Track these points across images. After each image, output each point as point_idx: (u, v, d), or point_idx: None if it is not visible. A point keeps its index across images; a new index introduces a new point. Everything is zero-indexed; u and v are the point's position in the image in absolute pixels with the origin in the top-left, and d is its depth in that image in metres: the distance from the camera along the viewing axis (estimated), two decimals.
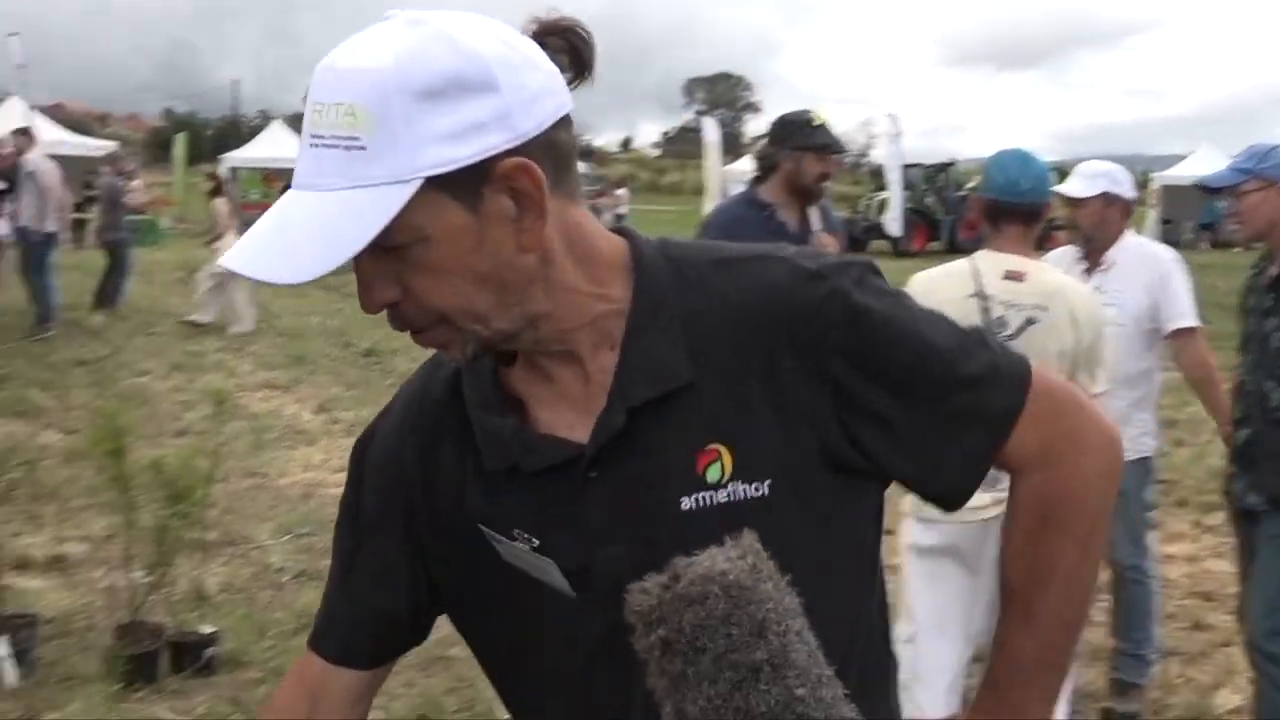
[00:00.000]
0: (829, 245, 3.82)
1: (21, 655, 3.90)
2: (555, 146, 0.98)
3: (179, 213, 26.01)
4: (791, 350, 1.03)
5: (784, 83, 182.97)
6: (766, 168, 3.94)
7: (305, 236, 0.93)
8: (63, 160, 13.51)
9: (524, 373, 1.08)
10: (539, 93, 0.97)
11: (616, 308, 1.04)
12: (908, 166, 25.82)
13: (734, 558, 0.80)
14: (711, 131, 29.28)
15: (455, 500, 1.09)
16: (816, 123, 3.84)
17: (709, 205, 29.60)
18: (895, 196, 24.22)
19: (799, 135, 3.82)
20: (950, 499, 1.10)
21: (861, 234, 24.46)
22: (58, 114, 32.67)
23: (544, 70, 0.98)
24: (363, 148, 0.91)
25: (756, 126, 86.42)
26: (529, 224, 0.97)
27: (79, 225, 18.69)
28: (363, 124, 0.91)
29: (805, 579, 0.98)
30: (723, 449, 1.02)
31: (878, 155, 22.21)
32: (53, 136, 20.88)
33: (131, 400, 7.35)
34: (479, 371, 1.09)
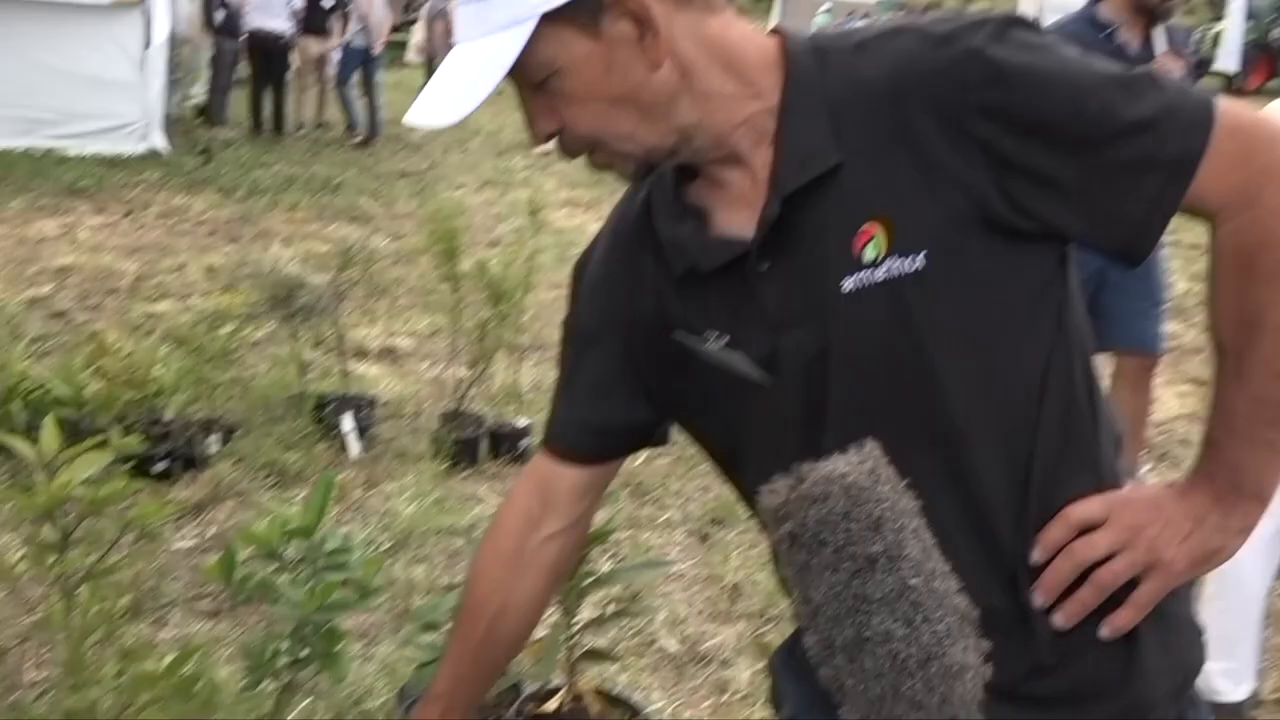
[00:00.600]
0: (1174, 69, 3.54)
1: (362, 431, 4.36)
2: None
3: None
4: (933, 117, 1.02)
5: None
6: None
7: (454, 84, 1.04)
8: None
9: (701, 183, 1.14)
10: None
11: (769, 105, 1.07)
12: None
13: (855, 463, 0.86)
14: None
15: (656, 309, 1.17)
16: None
17: None
18: (1235, 27, 21.87)
19: None
20: (1132, 254, 1.06)
21: None
22: None
23: None
24: None
25: None
26: (649, 43, 1.03)
27: (398, 45, 19.64)
28: None
29: (973, 346, 1.03)
30: (877, 227, 1.03)
31: None
32: None
33: (451, 210, 7.81)
34: (664, 187, 1.15)
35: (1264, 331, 1.03)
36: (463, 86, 1.04)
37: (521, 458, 4.33)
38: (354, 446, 4.26)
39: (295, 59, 12.01)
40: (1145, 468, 4.27)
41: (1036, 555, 1.05)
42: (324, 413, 4.41)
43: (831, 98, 1.06)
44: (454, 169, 10.63)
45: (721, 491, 4.14)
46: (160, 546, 3.38)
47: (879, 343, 1.03)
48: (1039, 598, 1.05)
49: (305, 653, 1.93)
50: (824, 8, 30.28)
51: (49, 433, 1.98)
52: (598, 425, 1.27)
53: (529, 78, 1.04)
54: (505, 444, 4.33)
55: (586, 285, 1.27)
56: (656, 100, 1.05)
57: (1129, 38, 3.59)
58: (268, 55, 11.36)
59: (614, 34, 1.03)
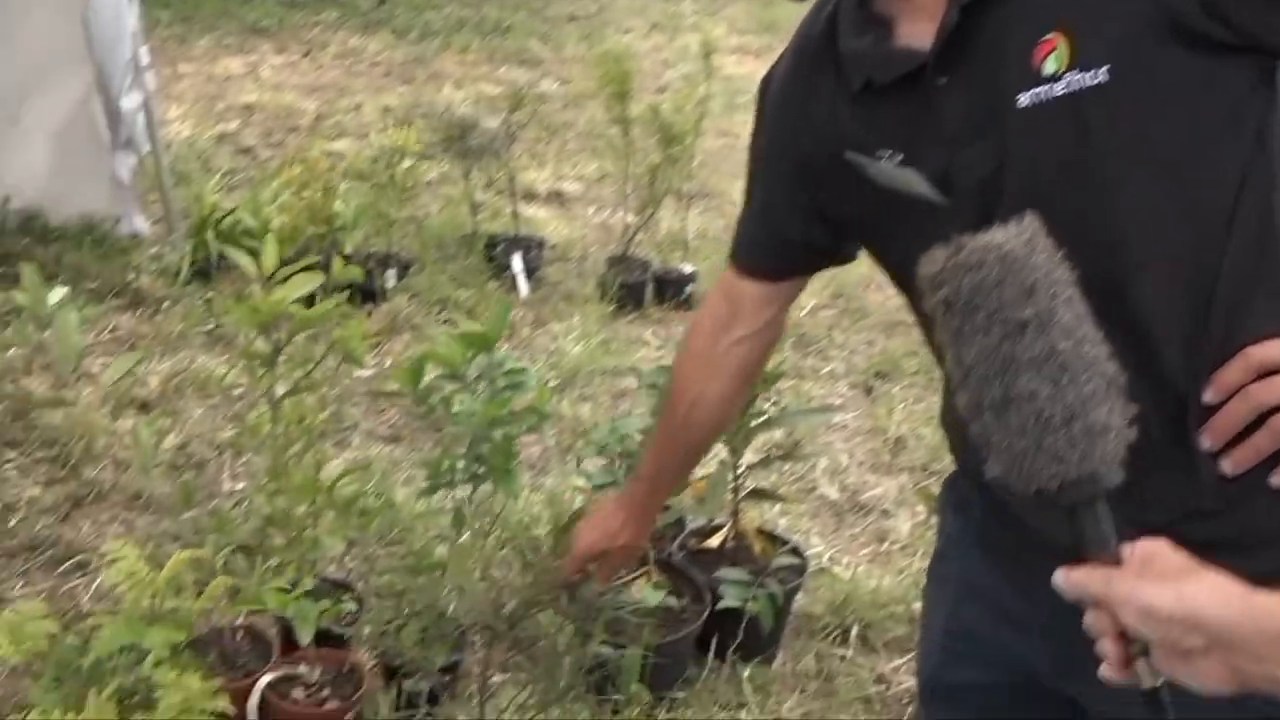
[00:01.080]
0: None
1: (530, 272, 4.44)
2: None
3: None
4: None
5: None
6: None
7: None
8: None
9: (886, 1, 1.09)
10: None
11: None
12: None
13: (1012, 234, 0.86)
14: None
15: (833, 129, 1.14)
16: None
17: None
18: None
19: None
20: None
21: None
22: None
23: None
24: None
25: None
26: None
27: None
28: None
29: (1157, 165, 0.97)
30: (1060, 38, 0.97)
31: None
32: None
33: (621, 53, 7.74)
34: (849, 2, 1.11)
35: None
36: None
37: (687, 303, 4.35)
38: (523, 286, 4.35)
39: None
40: None
41: (1209, 395, 1.00)
42: (494, 252, 4.51)
43: None
44: (622, 13, 10.46)
45: (887, 345, 4.11)
46: (345, 374, 3.55)
47: (1056, 160, 0.99)
48: (1208, 440, 1.01)
49: (481, 469, 2.02)
50: None
51: (270, 250, 2.09)
52: (776, 244, 1.30)
53: None
54: (670, 289, 4.35)
55: (770, 104, 1.26)
56: None
57: None
58: None
59: None
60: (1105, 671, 0.86)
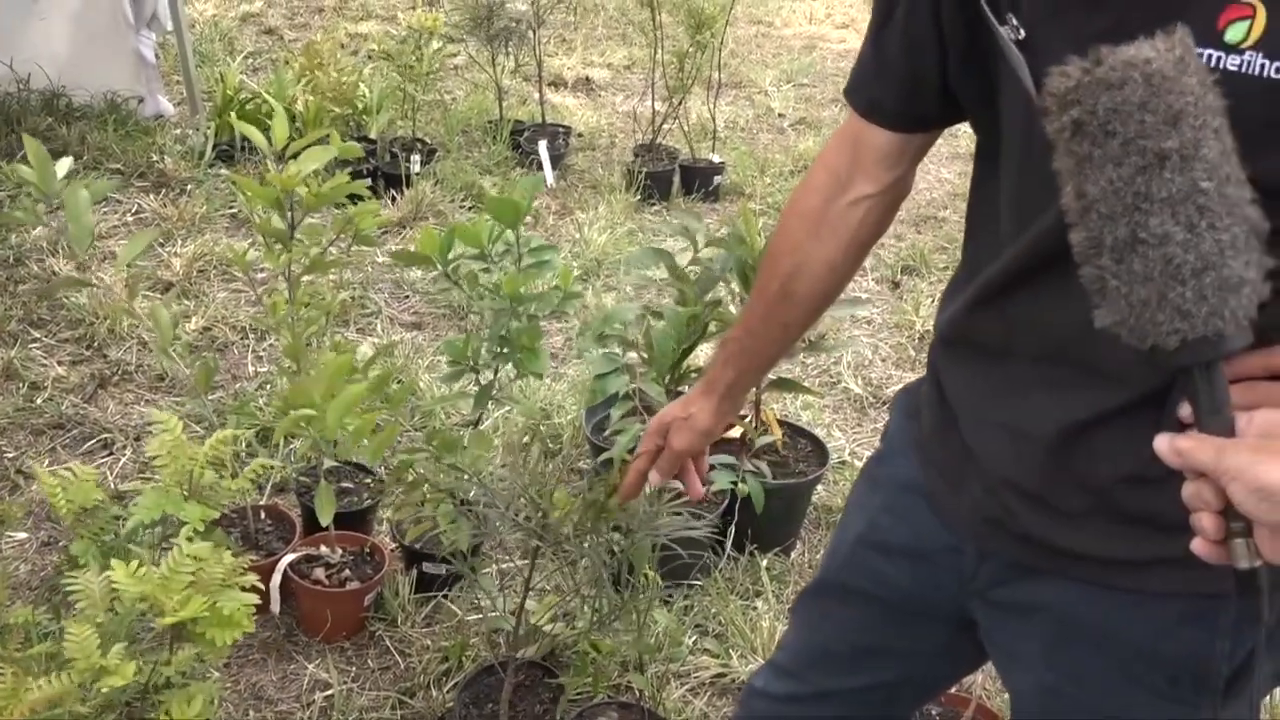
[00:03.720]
0: None
1: (556, 160, 4.38)
2: None
3: None
4: None
5: None
6: None
7: None
8: None
9: None
10: None
11: None
12: None
13: (1162, 50, 0.75)
14: None
15: None
16: None
17: None
18: None
19: None
20: None
21: None
22: None
23: None
24: None
25: None
26: None
27: None
28: None
29: None
30: (1258, 8, 0.83)
31: None
32: None
33: None
34: None
35: None
36: None
37: (714, 194, 4.29)
38: (549, 174, 4.29)
39: None
40: None
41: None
42: (520, 139, 4.44)
43: None
44: None
45: (916, 240, 4.04)
46: (367, 258, 3.53)
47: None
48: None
49: (505, 349, 2.00)
50: None
51: (279, 123, 2.06)
52: (901, 83, 1.10)
53: None
54: (698, 179, 4.29)
55: None
56: None
57: None
58: None
59: None
60: (1198, 547, 0.79)
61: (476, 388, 2.05)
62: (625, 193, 4.19)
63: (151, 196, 3.82)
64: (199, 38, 5.33)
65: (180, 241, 3.55)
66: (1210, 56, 0.85)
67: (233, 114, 4.09)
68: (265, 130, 2.22)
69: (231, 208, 3.80)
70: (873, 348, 3.34)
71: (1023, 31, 0.93)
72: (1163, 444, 0.79)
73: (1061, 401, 1.00)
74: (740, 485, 2.32)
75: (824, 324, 3.19)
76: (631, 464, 1.41)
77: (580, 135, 4.76)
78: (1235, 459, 0.75)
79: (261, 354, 3.05)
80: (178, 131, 4.31)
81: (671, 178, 4.29)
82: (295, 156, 1.97)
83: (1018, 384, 1.05)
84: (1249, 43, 0.84)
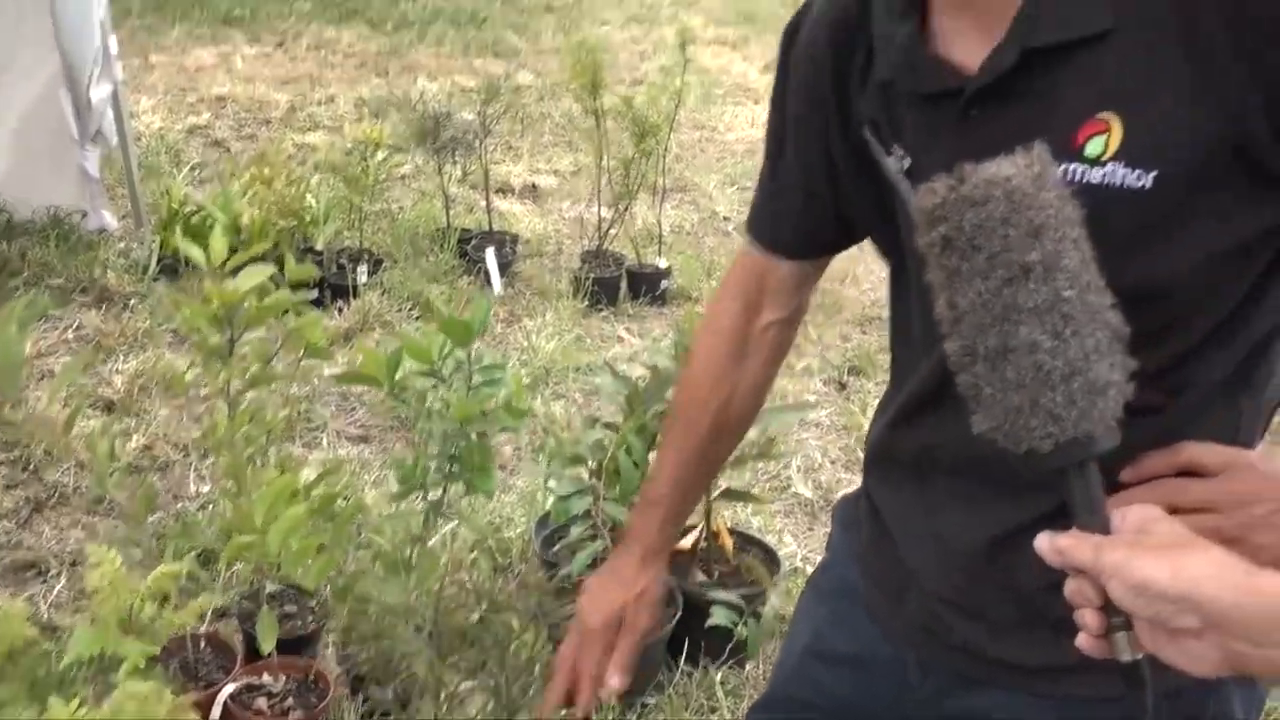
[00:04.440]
0: None
1: (503, 267, 4.40)
2: None
3: None
4: (1229, 24, 0.82)
5: None
6: None
7: None
8: None
9: None
10: None
11: None
12: None
13: (1021, 165, 0.79)
14: None
15: (855, 103, 1.03)
16: None
17: None
18: None
19: None
20: None
21: None
22: None
23: None
24: None
25: None
26: None
27: None
28: None
29: (1164, 279, 0.88)
30: (1113, 122, 0.86)
31: None
32: None
33: (596, 45, 7.70)
34: None
35: None
36: None
37: (661, 298, 4.33)
38: (496, 282, 4.31)
39: None
40: None
41: (1127, 474, 0.94)
42: (467, 248, 4.46)
43: None
44: (599, 4, 10.40)
45: (861, 341, 4.09)
46: (312, 371, 3.50)
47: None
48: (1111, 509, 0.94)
49: (455, 468, 1.98)
50: None
51: (218, 240, 2.05)
52: (798, 212, 1.14)
53: None
54: (645, 284, 4.32)
55: (794, 58, 1.11)
56: None
57: None
58: None
59: None
60: (1082, 643, 0.81)
61: (424, 504, 2.03)
62: (573, 299, 4.21)
63: (93, 312, 3.79)
64: (145, 150, 5.34)
65: (122, 358, 3.51)
66: (1073, 171, 0.88)
67: (178, 227, 4.08)
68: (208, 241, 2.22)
69: (175, 322, 3.77)
70: (822, 450, 3.35)
71: (908, 160, 0.96)
72: (1043, 543, 0.82)
73: (984, 514, 1.03)
74: (741, 628, 2.30)
75: (773, 428, 3.20)
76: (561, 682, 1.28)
77: (527, 242, 4.79)
78: (1111, 556, 0.77)
79: (204, 472, 3.00)
80: (122, 245, 4.29)
81: (619, 283, 4.32)
82: (237, 272, 1.96)
83: (942, 499, 1.07)
84: (1109, 154, 0.87)
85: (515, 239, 4.65)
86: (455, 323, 1.78)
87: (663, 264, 4.43)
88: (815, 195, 1.12)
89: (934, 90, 0.95)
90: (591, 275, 4.26)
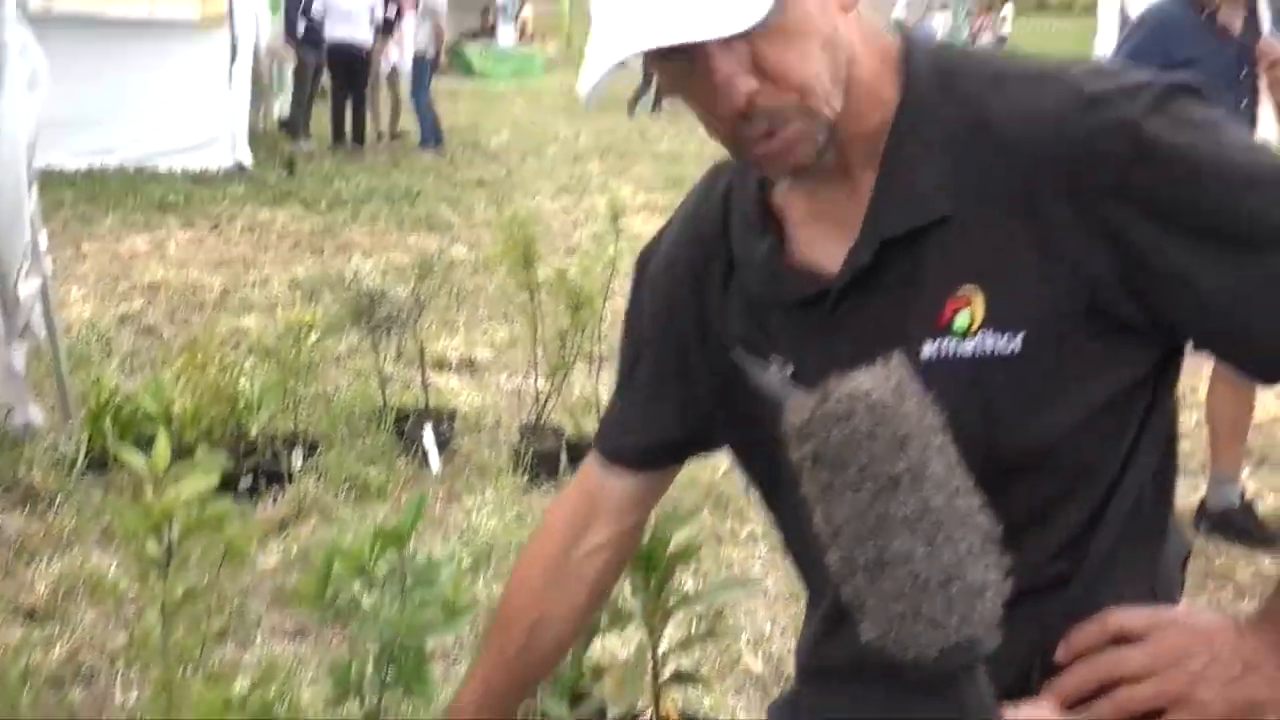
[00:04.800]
0: (1277, 54, 3.38)
1: (441, 445, 4.36)
2: None
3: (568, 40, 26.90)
4: (1064, 189, 0.90)
5: None
6: None
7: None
8: None
9: (788, 193, 1.02)
10: None
11: (885, 118, 0.95)
12: None
13: (880, 378, 0.83)
14: None
15: (719, 320, 1.07)
16: None
17: (1102, 21, 27.23)
18: None
19: None
20: (1268, 372, 0.94)
21: None
22: None
23: None
24: None
25: None
26: None
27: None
28: None
29: (1048, 435, 0.93)
30: (974, 295, 0.92)
31: None
32: None
33: (528, 218, 7.84)
34: (746, 186, 1.04)
35: None
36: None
37: None
38: (434, 461, 4.26)
39: (384, 67, 12.24)
40: (1245, 471, 4.11)
41: (1061, 654, 0.95)
42: (405, 426, 4.43)
43: (952, 132, 0.93)
44: (531, 176, 10.67)
45: None
46: (245, 565, 3.40)
47: (949, 414, 0.91)
48: (1054, 700, 0.95)
49: (391, 675, 1.91)
50: (903, 1, 29.99)
51: (160, 448, 2.00)
52: (647, 432, 1.18)
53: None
54: (585, 456, 4.29)
55: (649, 281, 1.16)
56: (840, 55, 0.92)
57: (1231, 18, 3.45)
58: (349, 67, 11.52)
59: None
60: None
61: (361, 710, 1.94)
62: (513, 474, 4.17)
63: (17, 512, 3.68)
64: (75, 341, 5.29)
65: (46, 560, 3.39)
66: (947, 347, 0.93)
67: (108, 420, 4.01)
68: (139, 438, 2.17)
69: (104, 519, 3.66)
70: (771, 619, 3.29)
71: (790, 366, 0.99)
72: None
73: (912, 715, 1.02)
74: None
75: (720, 602, 3.15)
76: None
77: (465, 417, 4.77)
78: None
79: (133, 677, 2.87)
80: (48, 441, 4.20)
81: (559, 456, 4.29)
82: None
83: (872, 705, 1.07)
84: (977, 324, 0.92)
85: (453, 415, 4.63)
86: (385, 532, 1.75)
87: None
88: (666, 414, 1.15)
89: (802, 297, 0.99)
90: (531, 449, 4.23)
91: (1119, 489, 0.98)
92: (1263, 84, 3.43)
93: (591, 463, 1.24)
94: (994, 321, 0.92)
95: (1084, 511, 0.97)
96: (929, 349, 0.94)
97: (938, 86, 0.95)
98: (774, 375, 0.99)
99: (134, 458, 2.01)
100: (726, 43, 0.87)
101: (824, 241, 0.99)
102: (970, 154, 0.93)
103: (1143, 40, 3.48)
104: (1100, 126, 0.89)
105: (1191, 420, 4.70)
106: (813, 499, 0.85)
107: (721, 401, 1.10)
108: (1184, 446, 4.48)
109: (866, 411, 0.81)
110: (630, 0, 0.88)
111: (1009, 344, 0.92)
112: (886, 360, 0.84)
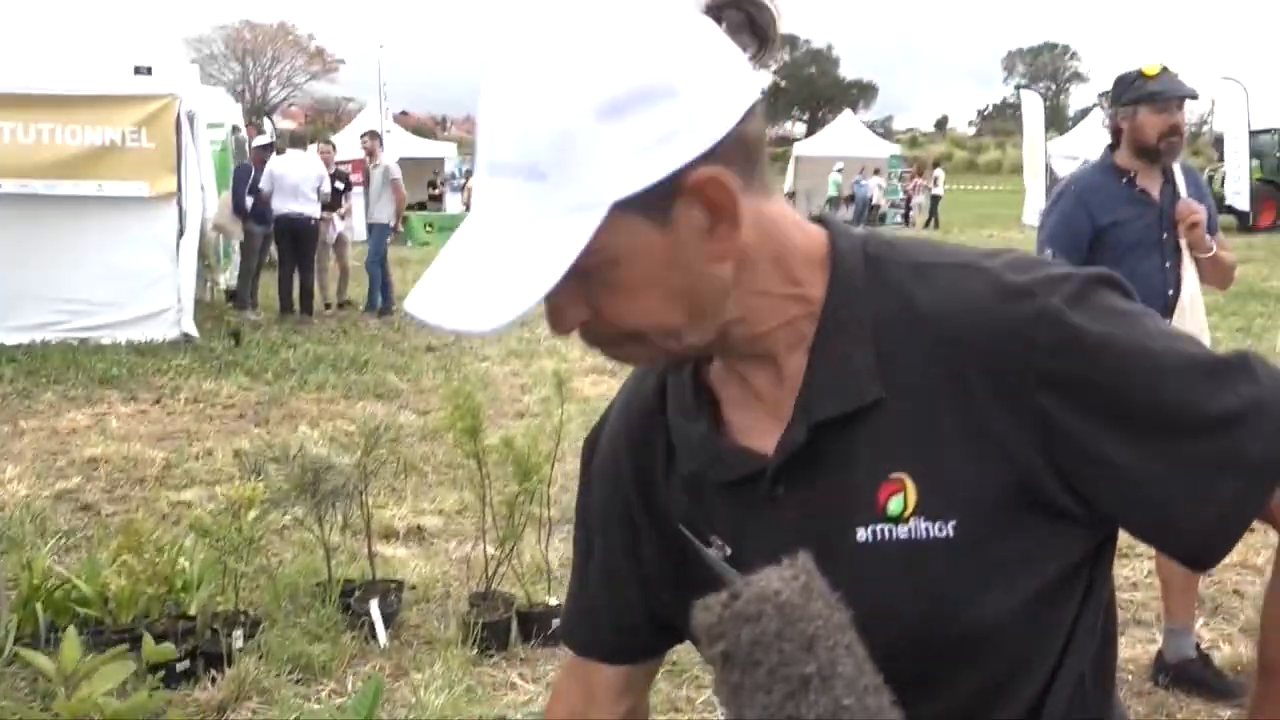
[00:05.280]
0: (1195, 216, 3.53)
1: (389, 618, 4.25)
2: (745, 143, 0.90)
3: None
4: (990, 377, 0.92)
5: (1116, 49, 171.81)
6: (1113, 133, 3.71)
7: (493, 278, 0.87)
8: (408, 163, 14.85)
9: (721, 373, 1.04)
10: (725, 87, 0.88)
11: (811, 309, 0.97)
12: (1257, 133, 23.67)
13: (788, 578, 0.84)
14: (1032, 106, 27.94)
15: (664, 499, 1.07)
16: (1150, 73, 3.57)
17: (1030, 184, 28.42)
18: (1241, 165, 22.28)
19: (1130, 90, 3.57)
20: (1198, 559, 0.95)
21: None
22: (404, 121, 35.96)
23: (727, 58, 0.90)
24: (543, 175, 0.86)
25: (1084, 99, 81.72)
26: (723, 234, 0.90)
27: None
28: (541, 150, 0.85)
29: (986, 620, 0.93)
30: (907, 480, 0.93)
31: (1220, 123, 20.48)
32: (401, 141, 22.89)
33: (476, 384, 7.84)
34: (680, 370, 1.06)
35: None
36: (506, 282, 0.86)
37: (552, 639, 4.19)
38: (381, 634, 4.14)
39: (330, 237, 12.40)
40: (1199, 621, 4.11)
41: None
42: (351, 599, 4.31)
43: (880, 319, 0.95)
44: (479, 341, 10.70)
45: None
46: None
47: (885, 598, 0.93)
48: None
49: None
50: (836, 167, 31.10)
51: (69, 645, 1.92)
52: (610, 622, 1.16)
53: (571, 266, 0.87)
54: (535, 625, 4.20)
55: (596, 468, 1.16)
56: (710, 295, 0.93)
57: (1150, 183, 3.60)
58: (296, 238, 11.65)
59: (683, 223, 0.89)
60: None
61: None
62: (462, 646, 4.06)
63: None
64: (7, 521, 5.15)
65: None
66: (882, 531, 0.93)
67: (39, 603, 3.87)
68: (76, 617, 2.08)
69: (30, 701, 3.50)
70: None
71: (728, 548, 1.00)
72: None
73: None
74: None
75: None
76: None
77: (413, 588, 4.66)
78: None
79: None
80: None
81: (509, 626, 4.19)
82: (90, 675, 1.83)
83: None
84: (909, 511, 0.93)
85: (400, 586, 4.52)
86: None
87: (554, 602, 4.32)
88: (627, 603, 1.14)
89: (738, 477, 0.99)
90: (480, 620, 4.13)
91: (1058, 677, 0.98)
92: (1184, 244, 3.58)
93: (571, 655, 1.22)
94: (926, 508, 0.93)
95: (1023, 702, 0.97)
96: (864, 533, 0.94)
97: (865, 276, 0.97)
98: (715, 555, 0.99)
99: (39, 658, 1.93)
100: (565, 277, 0.87)
101: (758, 423, 1.00)
102: (899, 341, 0.95)
103: (1068, 206, 3.62)
104: (1024, 317, 0.91)
105: (1144, 570, 4.71)
106: (724, 699, 0.84)
107: (674, 582, 1.08)
108: (1138, 597, 4.48)
109: (775, 612, 0.81)
110: (434, 270, 0.91)
111: (941, 530, 0.92)
112: (793, 559, 0.84)
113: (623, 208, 0.86)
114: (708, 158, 0.87)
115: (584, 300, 0.91)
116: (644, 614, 1.14)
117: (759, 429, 1.00)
